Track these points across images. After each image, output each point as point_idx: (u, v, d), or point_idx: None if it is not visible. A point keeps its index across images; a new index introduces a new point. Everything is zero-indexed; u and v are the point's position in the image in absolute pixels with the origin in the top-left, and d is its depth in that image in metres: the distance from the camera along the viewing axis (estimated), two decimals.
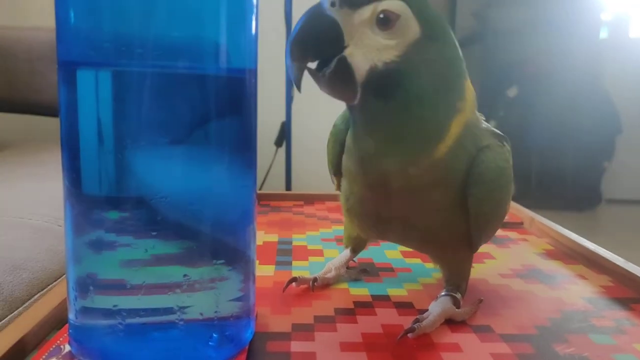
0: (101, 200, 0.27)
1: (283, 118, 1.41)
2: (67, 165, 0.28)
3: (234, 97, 0.28)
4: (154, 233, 0.27)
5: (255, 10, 0.29)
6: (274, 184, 1.50)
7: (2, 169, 0.73)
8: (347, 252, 0.43)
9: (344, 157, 0.36)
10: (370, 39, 0.30)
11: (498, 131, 0.37)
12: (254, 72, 0.29)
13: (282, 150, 1.43)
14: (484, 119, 0.37)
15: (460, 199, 0.34)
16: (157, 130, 0.27)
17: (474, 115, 0.35)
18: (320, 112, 1.54)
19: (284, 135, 1.43)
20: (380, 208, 0.35)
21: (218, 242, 0.29)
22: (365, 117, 0.32)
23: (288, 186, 1.43)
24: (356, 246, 0.43)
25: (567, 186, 2.39)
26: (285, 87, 1.37)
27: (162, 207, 0.27)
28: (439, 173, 0.32)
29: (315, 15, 0.30)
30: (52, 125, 1.19)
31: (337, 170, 0.38)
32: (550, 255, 0.50)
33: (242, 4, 0.28)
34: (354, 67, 0.30)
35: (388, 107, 0.31)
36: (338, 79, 0.30)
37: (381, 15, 0.30)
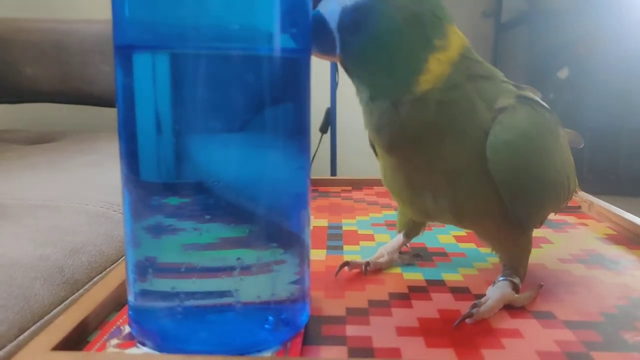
0: (158, 186, 0.27)
1: (328, 104, 1.40)
2: (125, 151, 0.28)
3: (289, 78, 0.28)
4: (210, 217, 0.27)
5: None
6: (319, 171, 1.50)
7: (60, 158, 0.75)
8: (400, 237, 0.42)
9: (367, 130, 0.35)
10: None
11: (530, 94, 0.34)
12: (308, 53, 0.29)
13: (327, 136, 1.43)
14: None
15: (484, 165, 0.32)
16: (214, 113, 0.26)
17: (473, 64, 0.32)
18: None
19: (329, 122, 1.42)
20: (408, 176, 0.34)
21: (275, 225, 0.29)
22: (351, 67, 0.31)
23: (333, 172, 1.42)
24: (409, 231, 0.42)
25: (622, 170, 2.30)
26: (330, 73, 1.36)
27: (219, 192, 0.27)
28: (433, 113, 0.30)
29: None
30: (105, 115, 1.22)
31: (373, 147, 0.38)
32: (613, 239, 0.48)
33: None
34: (326, 17, 0.30)
35: (363, 47, 0.30)
36: (316, 34, 0.30)
37: None
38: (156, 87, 0.26)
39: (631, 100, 2.13)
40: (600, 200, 0.57)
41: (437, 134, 0.31)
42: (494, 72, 0.34)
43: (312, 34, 0.30)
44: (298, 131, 0.29)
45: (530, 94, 0.35)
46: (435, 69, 0.30)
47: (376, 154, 0.38)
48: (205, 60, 0.26)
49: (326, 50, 0.31)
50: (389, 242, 0.42)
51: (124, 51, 0.27)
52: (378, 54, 0.30)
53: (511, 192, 0.32)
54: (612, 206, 0.54)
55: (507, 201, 0.33)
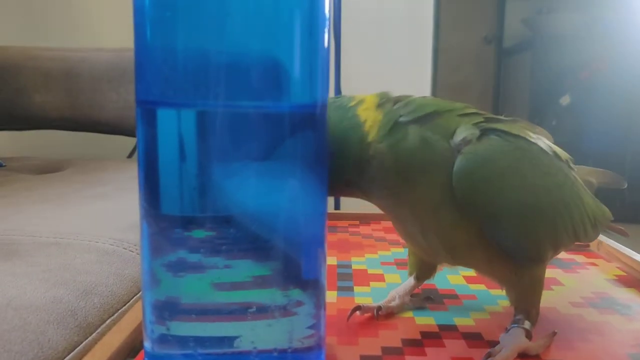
0: (181, 219, 0.27)
1: None
2: (145, 185, 0.28)
3: (309, 131, 0.28)
4: (238, 255, 0.27)
5: (328, 25, 0.29)
6: None
7: (69, 190, 0.76)
8: (411, 280, 0.42)
9: None
10: None
11: (501, 126, 0.34)
12: (325, 107, 0.29)
13: None
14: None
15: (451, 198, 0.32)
16: (237, 145, 0.27)
17: (405, 103, 0.34)
18: None
19: None
20: (401, 221, 0.36)
21: (296, 264, 0.28)
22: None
23: (337, 204, 1.43)
24: (420, 273, 0.42)
25: (626, 196, 2.30)
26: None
27: (243, 227, 0.27)
28: (391, 158, 0.32)
29: None
30: (112, 142, 1.24)
31: None
32: (623, 281, 0.48)
33: (315, 22, 0.28)
34: None
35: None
36: None
37: None
38: (180, 140, 0.27)
39: (634, 125, 2.15)
40: (610, 240, 0.57)
41: (403, 178, 0.33)
42: (444, 107, 0.34)
43: None
44: (318, 164, 0.29)
45: (503, 125, 0.34)
46: (367, 115, 0.33)
47: None
48: (227, 117, 0.26)
49: None
50: (400, 285, 0.42)
51: (147, 106, 0.28)
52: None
53: (483, 219, 0.33)
54: (621, 246, 0.55)
55: (485, 230, 0.33)
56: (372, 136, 0.33)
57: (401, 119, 0.33)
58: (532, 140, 0.35)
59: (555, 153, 0.37)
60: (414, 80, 1.58)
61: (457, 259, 0.37)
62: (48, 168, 1.02)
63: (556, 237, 0.35)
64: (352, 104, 0.34)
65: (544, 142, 0.36)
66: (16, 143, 1.39)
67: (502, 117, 0.36)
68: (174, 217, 0.27)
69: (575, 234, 0.37)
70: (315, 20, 0.28)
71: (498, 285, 0.37)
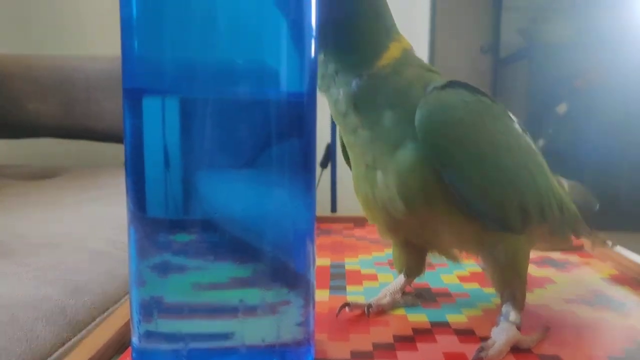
0: (167, 222, 0.27)
1: (328, 139, 1.41)
2: (132, 188, 0.28)
3: (296, 119, 0.28)
4: (217, 256, 0.27)
5: (314, 33, 0.29)
6: (320, 206, 1.49)
7: (62, 195, 0.75)
8: (401, 278, 0.42)
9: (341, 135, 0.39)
10: None
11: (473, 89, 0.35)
12: (313, 94, 0.29)
13: (327, 171, 1.44)
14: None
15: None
16: (221, 152, 0.27)
17: (418, 58, 0.36)
18: None
19: (329, 157, 1.43)
20: (362, 151, 0.36)
21: (281, 265, 0.29)
22: (322, 41, 0.33)
23: (333, 208, 1.43)
24: (408, 270, 0.42)
25: (623, 205, 2.30)
26: None
27: (226, 230, 0.27)
28: (380, 84, 0.34)
29: None
30: (107, 150, 1.23)
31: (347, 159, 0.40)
32: (617, 280, 0.48)
33: (302, 29, 0.28)
34: None
35: (339, 25, 0.33)
36: None
37: None
38: (164, 128, 0.27)
39: (631, 134, 2.15)
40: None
41: (380, 105, 0.34)
42: (435, 70, 0.37)
43: None
44: (304, 168, 0.29)
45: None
46: (393, 51, 0.34)
47: (349, 165, 0.40)
48: (213, 98, 0.26)
49: None
50: (391, 282, 0.42)
51: (133, 94, 0.28)
52: (352, 32, 0.34)
53: (442, 165, 0.32)
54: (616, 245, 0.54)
55: (445, 179, 0.33)
56: (382, 61, 0.34)
57: (407, 64, 0.35)
58: (498, 104, 0.37)
59: (521, 127, 0.38)
60: None
61: (415, 213, 0.35)
62: (42, 175, 1.02)
63: (522, 201, 0.34)
64: (394, 36, 0.35)
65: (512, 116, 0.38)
66: (11, 151, 1.39)
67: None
68: (160, 220, 0.27)
69: (541, 207, 0.36)
70: (301, 10, 0.28)
71: (473, 256, 0.37)
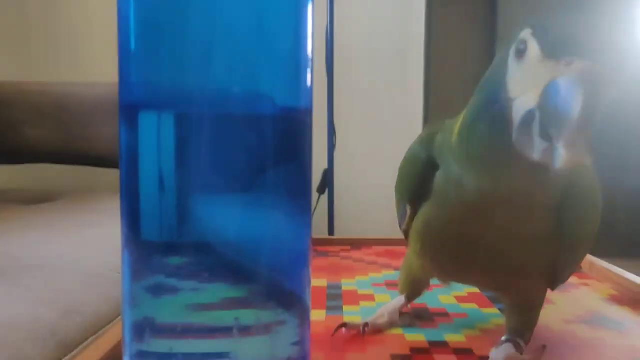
0: (161, 245, 0.27)
1: (325, 165, 1.42)
2: (126, 211, 0.28)
3: (293, 139, 0.28)
4: (211, 277, 0.26)
5: (311, 57, 0.29)
6: (317, 231, 1.49)
7: (58, 218, 0.75)
8: (401, 298, 0.41)
9: (438, 179, 0.35)
10: None
11: None
12: (309, 116, 0.30)
13: (325, 197, 1.44)
14: None
15: (552, 223, 0.32)
16: (217, 173, 0.27)
17: None
18: (361, 159, 1.55)
19: (326, 183, 1.43)
20: (474, 229, 0.33)
21: (276, 285, 0.28)
22: None
23: (331, 233, 1.42)
24: (411, 293, 0.41)
25: (619, 232, 2.29)
26: (328, 134, 1.39)
27: (220, 252, 0.27)
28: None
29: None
30: (105, 175, 1.23)
31: (414, 197, 0.37)
32: (616, 300, 0.47)
33: (299, 54, 0.28)
34: None
35: None
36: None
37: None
38: (160, 146, 0.27)
39: (626, 161, 2.16)
40: (602, 261, 0.56)
41: (534, 196, 0.31)
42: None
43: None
44: (300, 190, 0.29)
45: None
46: None
47: (409, 202, 0.37)
48: (210, 121, 0.26)
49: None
50: (389, 302, 0.41)
51: (129, 111, 0.28)
52: None
53: (576, 249, 0.34)
54: (613, 266, 0.54)
55: (565, 258, 0.34)
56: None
57: None
58: None
59: None
60: (406, 117, 1.60)
61: (497, 282, 0.36)
62: (39, 199, 1.02)
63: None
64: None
65: None
66: (8, 176, 1.38)
67: None
68: (154, 243, 0.27)
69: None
70: (299, 33, 0.28)
71: (507, 307, 0.37)
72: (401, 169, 0.39)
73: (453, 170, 0.33)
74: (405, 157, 0.38)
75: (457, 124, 0.33)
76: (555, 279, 0.35)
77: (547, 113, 0.26)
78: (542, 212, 0.32)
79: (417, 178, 0.36)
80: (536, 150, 0.26)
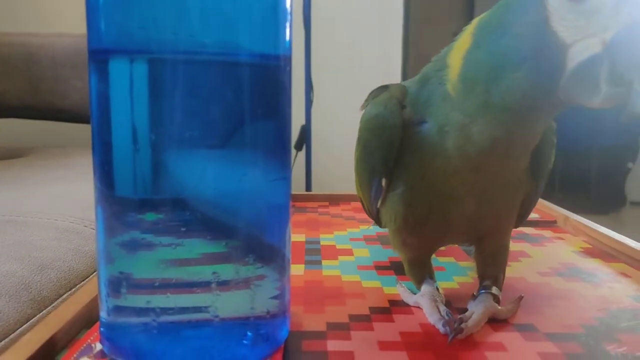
0: (134, 201, 0.26)
1: (302, 121, 1.40)
2: (99, 165, 0.27)
3: (269, 86, 0.27)
4: (188, 232, 0.26)
5: (290, 9, 0.28)
6: (295, 187, 1.49)
7: (29, 173, 0.73)
8: (430, 285, 0.37)
9: (423, 133, 0.33)
10: None
11: None
12: (289, 60, 0.28)
13: (302, 153, 1.43)
14: None
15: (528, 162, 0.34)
16: (192, 123, 0.26)
17: None
18: (339, 115, 1.54)
19: (304, 139, 1.42)
20: (469, 177, 0.32)
21: (255, 240, 0.28)
22: None
23: (308, 189, 1.42)
24: (425, 272, 0.38)
25: (591, 188, 2.34)
26: (305, 90, 1.37)
27: (197, 207, 0.26)
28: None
29: None
30: (75, 131, 1.20)
31: (389, 166, 0.35)
32: (589, 253, 0.48)
33: (277, 2, 0.27)
34: None
35: None
36: None
37: None
38: (132, 94, 0.25)
39: (601, 119, 2.19)
40: (576, 215, 0.57)
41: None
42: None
43: None
44: (279, 141, 0.29)
45: None
46: None
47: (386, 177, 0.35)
48: (184, 67, 0.25)
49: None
50: (425, 294, 0.36)
51: (99, 56, 0.27)
52: None
53: (541, 187, 0.37)
54: (588, 221, 0.55)
55: (535, 196, 0.37)
56: None
57: None
58: None
59: None
60: (384, 72, 1.59)
61: (479, 228, 0.37)
62: (10, 155, 0.99)
63: None
64: None
65: None
66: None
67: None
68: (128, 199, 0.26)
69: None
70: None
71: (479, 253, 0.38)
72: (366, 143, 0.36)
73: (453, 120, 0.31)
74: (367, 129, 0.35)
75: (451, 73, 0.32)
76: (522, 216, 0.38)
77: (624, 57, 0.25)
78: (529, 153, 0.33)
79: (392, 144, 0.34)
80: (602, 96, 0.26)
